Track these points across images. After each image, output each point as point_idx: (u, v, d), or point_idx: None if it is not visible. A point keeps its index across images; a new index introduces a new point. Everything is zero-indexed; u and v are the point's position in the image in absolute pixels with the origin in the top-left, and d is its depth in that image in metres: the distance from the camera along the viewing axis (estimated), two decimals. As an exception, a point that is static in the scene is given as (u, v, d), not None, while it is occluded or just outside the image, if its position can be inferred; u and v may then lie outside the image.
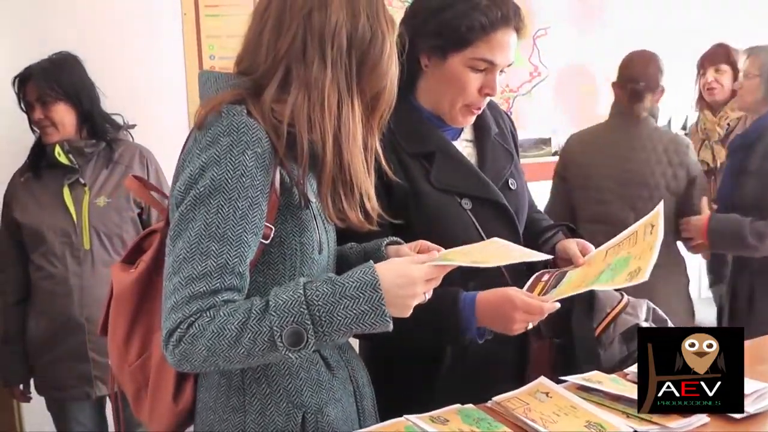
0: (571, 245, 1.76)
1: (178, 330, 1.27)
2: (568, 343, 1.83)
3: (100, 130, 2.60)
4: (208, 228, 1.28)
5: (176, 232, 1.31)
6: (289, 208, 1.38)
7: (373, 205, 1.43)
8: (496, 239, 1.62)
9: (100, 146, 2.59)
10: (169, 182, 1.54)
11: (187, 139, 1.41)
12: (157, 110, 3.03)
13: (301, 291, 1.28)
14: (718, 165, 3.48)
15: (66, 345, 2.54)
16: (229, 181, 1.28)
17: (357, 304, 1.28)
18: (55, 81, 2.53)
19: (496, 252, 1.53)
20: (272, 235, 1.36)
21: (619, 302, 1.82)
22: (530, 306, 1.58)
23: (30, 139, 2.63)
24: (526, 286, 1.67)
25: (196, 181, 1.30)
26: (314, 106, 1.34)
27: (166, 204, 1.49)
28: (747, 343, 1.52)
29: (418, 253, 1.54)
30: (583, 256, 1.74)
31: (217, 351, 1.27)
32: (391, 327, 1.31)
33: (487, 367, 1.77)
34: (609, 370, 1.74)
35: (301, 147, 1.34)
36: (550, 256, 1.74)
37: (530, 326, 1.61)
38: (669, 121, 3.69)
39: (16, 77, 2.55)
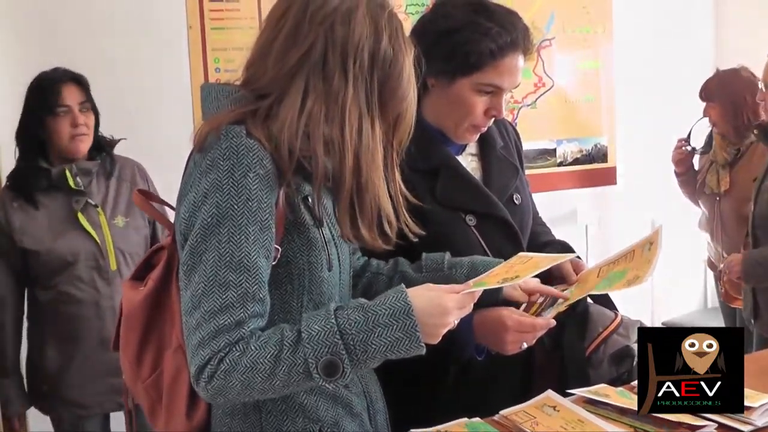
0: (565, 264, 1.75)
1: (209, 366, 1.25)
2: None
3: (104, 144, 2.57)
4: (223, 258, 1.26)
5: (189, 265, 1.28)
6: (296, 227, 1.35)
7: (392, 225, 1.41)
8: (520, 254, 1.62)
9: (102, 162, 2.55)
10: (168, 199, 1.52)
11: (188, 161, 1.39)
12: (163, 123, 3.03)
13: (333, 321, 1.27)
14: (722, 192, 3.45)
15: (101, 364, 2.47)
16: (235, 206, 1.26)
17: (391, 332, 1.27)
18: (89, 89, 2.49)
19: (524, 266, 1.53)
20: (279, 256, 1.34)
21: (612, 321, 1.81)
22: (522, 324, 1.58)
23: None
24: (522, 307, 1.66)
25: (199, 209, 1.28)
26: (333, 122, 1.31)
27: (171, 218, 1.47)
28: (755, 354, 1.52)
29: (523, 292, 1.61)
30: (576, 274, 1.74)
31: (252, 384, 1.26)
32: (424, 351, 1.30)
33: (492, 380, 1.77)
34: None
35: (315, 164, 1.31)
36: (574, 254, 1.74)
37: (524, 346, 1.60)
38: (689, 133, 3.64)
39: (46, 77, 2.47)
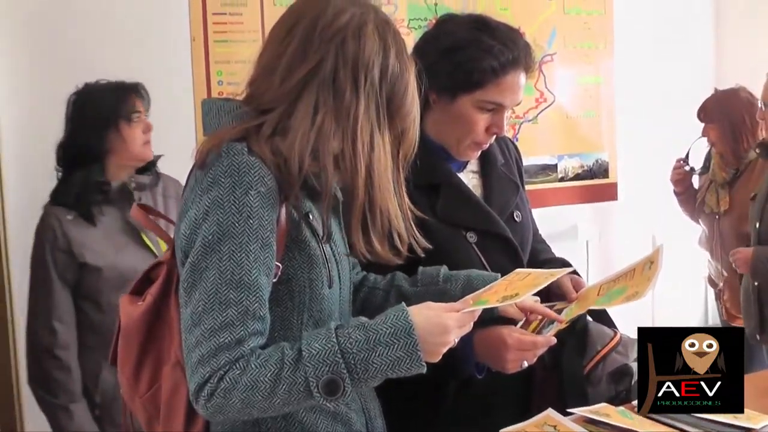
0: (565, 281, 1.75)
1: (209, 384, 1.25)
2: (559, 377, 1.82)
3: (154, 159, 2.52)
4: (223, 276, 1.26)
5: (190, 282, 1.29)
6: (297, 244, 1.36)
7: (403, 239, 1.41)
8: (518, 270, 1.62)
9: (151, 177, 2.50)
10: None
11: (189, 177, 1.39)
12: (165, 136, 3.02)
13: (334, 339, 1.26)
14: (722, 211, 3.45)
15: None
16: (236, 224, 1.26)
17: (392, 351, 1.27)
18: None
19: (523, 282, 1.53)
20: (280, 273, 1.34)
21: (612, 340, 1.81)
22: (522, 343, 1.58)
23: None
24: (520, 324, 1.66)
25: (200, 226, 1.28)
26: (345, 138, 1.32)
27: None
28: (757, 375, 1.51)
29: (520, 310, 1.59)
30: (577, 292, 1.74)
31: (252, 403, 1.25)
32: (425, 370, 1.30)
33: (492, 397, 1.76)
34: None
35: (325, 180, 1.32)
36: (572, 268, 1.75)
37: (525, 364, 1.60)
38: (687, 153, 3.66)
39: (117, 86, 2.43)
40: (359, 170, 1.32)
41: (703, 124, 3.48)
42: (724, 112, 3.39)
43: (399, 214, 1.40)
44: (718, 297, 3.54)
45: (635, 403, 1.69)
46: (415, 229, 1.45)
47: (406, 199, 1.44)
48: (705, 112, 3.46)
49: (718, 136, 3.41)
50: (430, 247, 1.49)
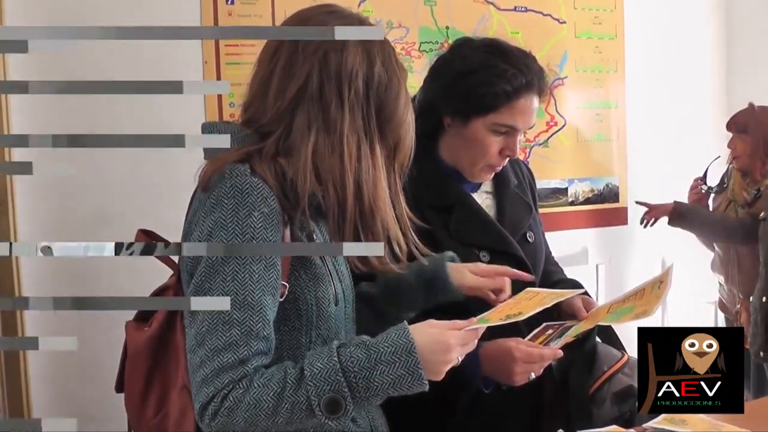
0: (576, 300, 1.76)
1: (212, 403, 1.26)
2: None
3: None
4: (227, 296, 1.27)
5: None
6: (302, 263, 1.37)
7: (402, 248, 1.42)
8: (528, 288, 1.63)
9: None
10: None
11: (192, 199, 1.40)
12: (177, 158, 3.04)
13: (336, 358, 1.27)
14: None
15: None
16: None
17: (393, 369, 1.27)
18: None
19: (530, 302, 1.54)
20: (286, 292, 1.35)
21: (619, 361, 1.82)
22: (530, 355, 1.59)
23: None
24: (528, 337, 1.68)
25: None
26: (334, 150, 1.33)
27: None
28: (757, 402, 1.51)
29: (478, 276, 1.59)
30: (587, 311, 1.75)
31: (256, 422, 1.26)
32: (427, 389, 1.30)
33: (501, 417, 1.77)
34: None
35: (327, 196, 1.33)
36: (581, 290, 1.75)
37: (532, 376, 1.60)
38: (705, 173, 3.64)
39: None
40: (347, 183, 1.33)
41: (726, 143, 3.45)
42: (759, 126, 3.35)
43: (395, 224, 1.40)
44: (735, 320, 3.50)
45: (646, 425, 1.68)
46: (415, 236, 1.45)
47: (405, 207, 1.44)
48: (738, 123, 3.41)
49: (748, 147, 3.36)
50: (432, 254, 1.50)
